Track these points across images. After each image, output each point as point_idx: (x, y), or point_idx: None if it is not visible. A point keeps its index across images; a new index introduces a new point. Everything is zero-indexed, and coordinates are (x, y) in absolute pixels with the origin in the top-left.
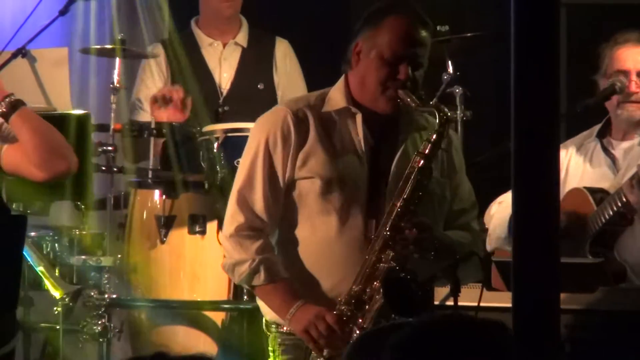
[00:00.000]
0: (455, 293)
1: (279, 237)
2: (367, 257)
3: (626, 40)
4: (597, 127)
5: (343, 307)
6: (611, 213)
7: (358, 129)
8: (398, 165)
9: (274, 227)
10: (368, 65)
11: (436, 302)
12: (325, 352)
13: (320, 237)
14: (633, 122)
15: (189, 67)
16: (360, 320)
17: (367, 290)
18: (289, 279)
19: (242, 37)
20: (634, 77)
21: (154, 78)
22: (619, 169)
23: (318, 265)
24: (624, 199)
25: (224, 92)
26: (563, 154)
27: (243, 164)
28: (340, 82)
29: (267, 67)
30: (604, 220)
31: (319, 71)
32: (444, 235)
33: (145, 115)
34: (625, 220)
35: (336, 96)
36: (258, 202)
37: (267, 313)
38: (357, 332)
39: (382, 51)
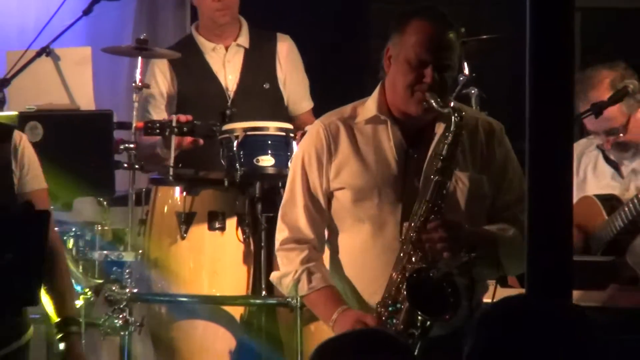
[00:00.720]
0: (471, 290)
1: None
2: (399, 257)
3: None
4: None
5: (381, 310)
6: (623, 224)
7: (390, 135)
8: (428, 168)
9: (321, 238)
10: (397, 69)
11: None
12: None
13: (357, 244)
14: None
15: (194, 73)
16: (396, 321)
17: (401, 292)
18: (331, 286)
19: (244, 39)
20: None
21: (158, 86)
22: (623, 176)
23: (357, 271)
24: (637, 209)
25: (231, 95)
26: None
27: (287, 182)
28: (376, 90)
29: (270, 65)
30: (616, 230)
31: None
32: (483, 230)
33: (156, 110)
34: (637, 228)
35: (369, 105)
36: (300, 216)
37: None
38: (395, 332)
39: (408, 55)
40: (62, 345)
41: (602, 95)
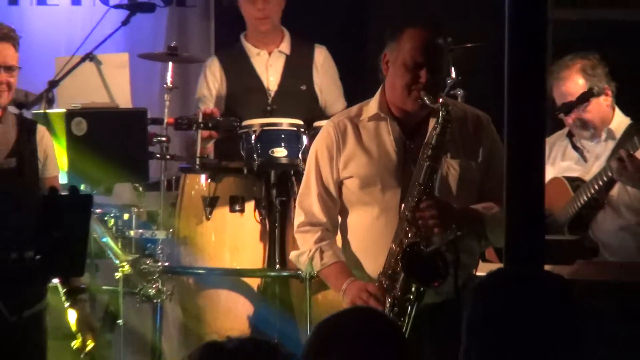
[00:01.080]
0: (457, 263)
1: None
2: (397, 233)
3: (556, 75)
4: (567, 129)
5: (382, 279)
6: (586, 198)
7: (390, 130)
8: (421, 156)
9: (334, 221)
10: (395, 72)
11: None
12: None
13: (363, 224)
14: (586, 136)
15: (241, 74)
16: (396, 288)
17: (398, 263)
18: (341, 262)
19: (286, 46)
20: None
21: (209, 86)
22: (587, 160)
23: (363, 246)
24: (597, 187)
25: (272, 94)
26: None
27: (304, 175)
28: (378, 91)
29: (307, 70)
30: (580, 205)
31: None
32: (470, 208)
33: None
34: (598, 204)
35: (371, 105)
36: (314, 203)
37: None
38: (393, 299)
39: (404, 59)
40: (72, 312)
41: (570, 76)
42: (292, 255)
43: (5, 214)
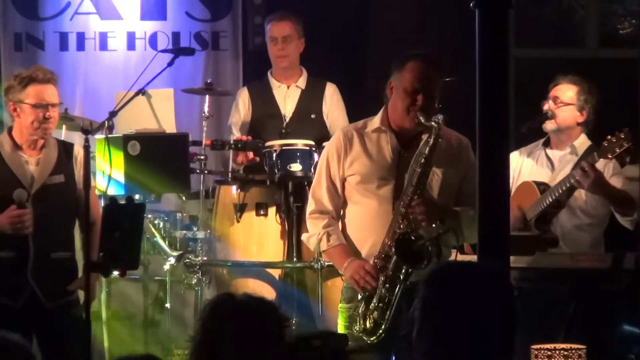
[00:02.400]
0: (438, 256)
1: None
2: (391, 224)
3: (559, 81)
4: (542, 140)
5: (377, 260)
6: (551, 200)
7: (389, 140)
8: (413, 164)
9: (338, 210)
10: (397, 96)
11: None
12: (364, 291)
13: (361, 213)
14: (550, 130)
15: (264, 103)
16: (387, 268)
17: (391, 248)
18: (343, 244)
19: (302, 82)
20: (550, 101)
21: (240, 111)
22: (555, 169)
23: (362, 231)
24: (560, 191)
25: (287, 120)
26: (519, 157)
27: (317, 171)
28: (381, 111)
29: (318, 102)
30: (546, 204)
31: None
32: (451, 208)
33: (240, 130)
34: (560, 205)
35: (375, 120)
36: (324, 194)
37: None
38: (385, 277)
39: (405, 86)
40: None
41: (568, 84)
42: (304, 236)
43: (57, 219)
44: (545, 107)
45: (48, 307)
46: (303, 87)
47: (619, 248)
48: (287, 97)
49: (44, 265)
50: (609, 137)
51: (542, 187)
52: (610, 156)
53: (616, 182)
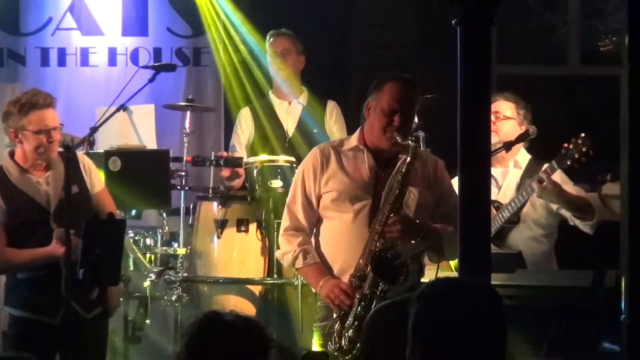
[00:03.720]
0: (420, 272)
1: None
2: (367, 243)
3: (499, 97)
4: None
5: (352, 279)
6: (508, 215)
7: (365, 159)
8: (390, 182)
9: (312, 228)
10: (374, 116)
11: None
12: (340, 310)
13: (337, 229)
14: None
15: (267, 120)
16: (363, 287)
17: (367, 266)
18: (319, 262)
19: (303, 99)
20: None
21: (243, 130)
22: (500, 185)
23: (335, 248)
24: (516, 206)
25: (289, 135)
26: None
27: (291, 187)
28: (358, 130)
29: (320, 118)
30: (502, 221)
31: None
32: (430, 225)
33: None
34: (517, 219)
35: (352, 139)
36: (299, 211)
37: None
38: (361, 295)
39: (383, 106)
40: None
41: (504, 101)
42: (278, 253)
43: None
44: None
45: (89, 318)
46: (305, 104)
47: (599, 266)
48: (288, 113)
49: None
50: (565, 144)
51: (495, 204)
52: (569, 162)
53: (571, 189)
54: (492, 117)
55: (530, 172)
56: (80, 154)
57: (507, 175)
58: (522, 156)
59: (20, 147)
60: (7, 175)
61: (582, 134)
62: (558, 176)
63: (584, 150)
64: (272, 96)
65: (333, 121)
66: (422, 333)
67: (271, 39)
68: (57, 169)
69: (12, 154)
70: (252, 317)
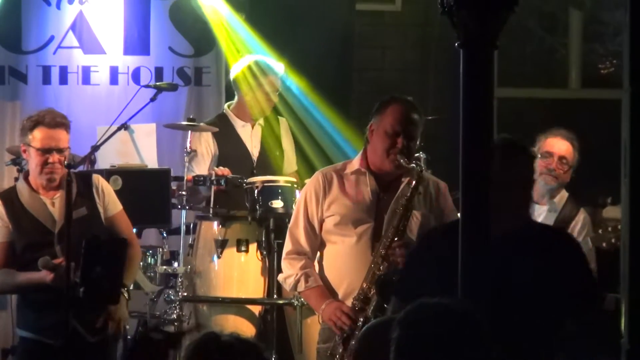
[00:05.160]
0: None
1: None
2: (371, 266)
3: (556, 134)
4: None
5: (356, 302)
6: None
7: (368, 182)
8: (394, 206)
9: (314, 251)
10: (377, 138)
11: None
12: (342, 332)
13: (340, 253)
14: (547, 188)
15: (230, 143)
16: (366, 310)
17: (371, 290)
18: (321, 285)
19: (262, 120)
20: (555, 158)
21: (202, 147)
22: None
23: (339, 272)
24: None
25: (255, 160)
26: None
27: (294, 212)
28: (360, 153)
29: (277, 139)
30: None
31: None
32: None
33: (199, 167)
34: None
35: (354, 162)
36: (301, 235)
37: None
38: (364, 318)
39: (386, 128)
40: None
41: (565, 142)
42: (280, 277)
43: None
44: (551, 165)
45: (92, 342)
46: (263, 124)
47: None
48: (253, 136)
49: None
50: (602, 227)
51: None
52: (605, 245)
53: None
54: (557, 161)
55: (566, 216)
56: (96, 176)
57: (542, 216)
58: (560, 197)
59: (30, 166)
60: (18, 195)
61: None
62: (579, 226)
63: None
64: (231, 116)
65: (287, 140)
66: (402, 358)
67: (271, 75)
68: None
69: (26, 175)
70: (251, 339)
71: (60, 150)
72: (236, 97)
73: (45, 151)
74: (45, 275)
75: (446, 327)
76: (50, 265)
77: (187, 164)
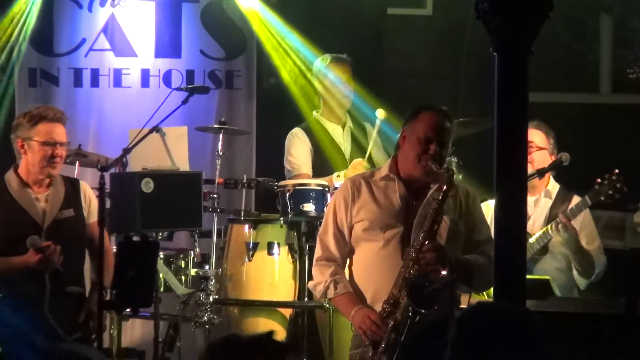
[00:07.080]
0: (453, 301)
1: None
2: (401, 270)
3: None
4: None
5: (386, 306)
6: (539, 247)
7: (397, 188)
8: (422, 210)
9: (344, 258)
10: (409, 145)
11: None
12: (371, 339)
13: (369, 259)
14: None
15: (324, 142)
16: (397, 314)
17: (401, 293)
18: (351, 292)
19: (349, 121)
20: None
21: (299, 152)
22: (530, 215)
23: (368, 277)
24: (546, 240)
25: (348, 158)
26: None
27: (324, 219)
28: (389, 159)
29: (365, 141)
30: (533, 252)
31: None
32: (461, 256)
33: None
34: (546, 250)
35: (383, 169)
36: (330, 242)
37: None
38: (394, 322)
39: (418, 135)
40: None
41: (536, 131)
42: (310, 284)
43: (70, 254)
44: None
45: (67, 341)
46: (352, 125)
47: (631, 294)
48: (345, 136)
49: (59, 300)
50: (599, 180)
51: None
52: (602, 198)
53: (583, 238)
54: None
55: (559, 202)
56: (83, 183)
57: (538, 204)
58: (552, 185)
59: (25, 159)
60: (7, 187)
61: (616, 170)
62: (584, 215)
63: (617, 186)
64: (321, 119)
65: (372, 142)
66: (461, 353)
67: (335, 62)
68: (57, 188)
69: (16, 168)
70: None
71: (62, 144)
72: (321, 103)
73: (51, 145)
74: (30, 257)
75: (502, 328)
76: (38, 244)
77: (287, 168)
